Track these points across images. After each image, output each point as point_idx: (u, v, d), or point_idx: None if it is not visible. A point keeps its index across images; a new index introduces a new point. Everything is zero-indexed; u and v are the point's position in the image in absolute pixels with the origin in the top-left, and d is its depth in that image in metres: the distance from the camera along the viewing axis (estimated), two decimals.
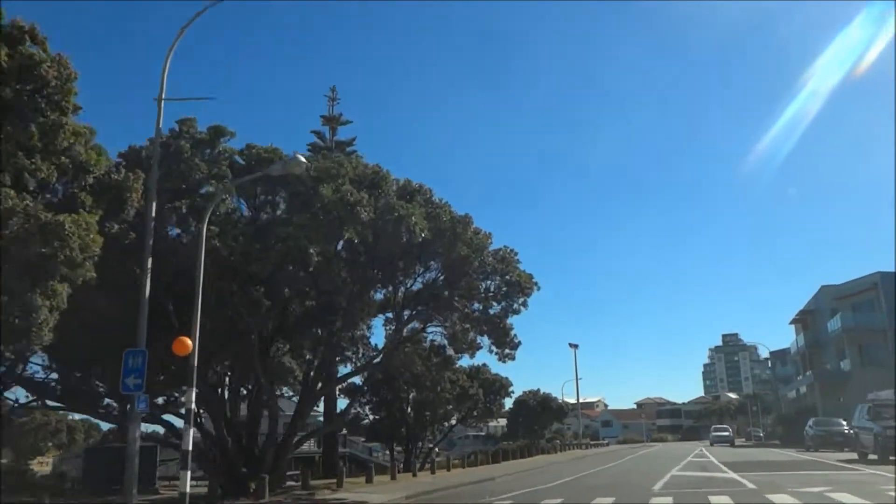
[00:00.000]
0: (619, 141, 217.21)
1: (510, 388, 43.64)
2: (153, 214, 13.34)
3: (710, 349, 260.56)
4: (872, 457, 21.95)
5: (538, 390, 54.13)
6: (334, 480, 21.40)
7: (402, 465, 34.16)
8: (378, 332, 32.01)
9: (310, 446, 35.79)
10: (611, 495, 14.10)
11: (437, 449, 61.80)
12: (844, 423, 33.75)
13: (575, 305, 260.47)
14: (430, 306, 22.21)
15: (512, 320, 21.70)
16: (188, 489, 11.59)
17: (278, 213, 19.25)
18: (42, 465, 47.51)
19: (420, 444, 41.85)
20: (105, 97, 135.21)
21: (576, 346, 62.66)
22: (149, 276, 12.76)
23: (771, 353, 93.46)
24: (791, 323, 63.75)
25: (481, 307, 21.45)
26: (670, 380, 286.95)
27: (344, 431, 44.19)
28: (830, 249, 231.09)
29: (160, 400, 22.29)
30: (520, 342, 22.11)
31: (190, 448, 12.16)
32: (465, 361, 31.20)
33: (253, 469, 19.91)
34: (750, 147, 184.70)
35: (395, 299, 22.35)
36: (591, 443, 71.00)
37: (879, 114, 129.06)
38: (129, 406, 13.52)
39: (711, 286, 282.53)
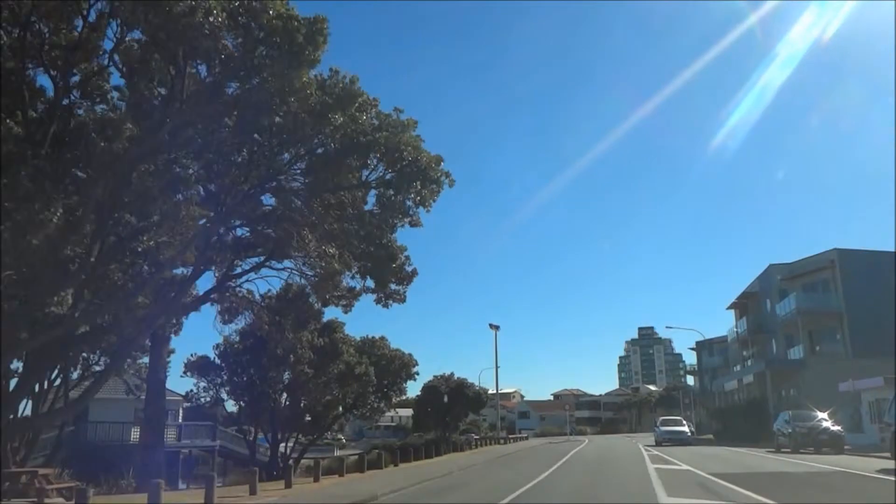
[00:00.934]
0: (543, 126, 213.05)
1: (414, 369, 34.85)
2: None
3: (627, 342, 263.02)
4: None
5: (451, 374, 45.92)
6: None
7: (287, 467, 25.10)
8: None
9: None
10: None
11: (342, 441, 52.34)
12: (825, 417, 27.20)
13: (491, 290, 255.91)
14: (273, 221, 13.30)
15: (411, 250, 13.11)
16: None
17: None
18: None
19: (297, 437, 32.56)
20: None
21: (496, 328, 55.04)
22: None
23: (697, 342, 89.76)
24: (729, 308, 58.50)
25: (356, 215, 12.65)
26: (586, 372, 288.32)
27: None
28: (772, 233, 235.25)
29: None
30: (414, 272, 13.48)
31: None
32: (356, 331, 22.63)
33: None
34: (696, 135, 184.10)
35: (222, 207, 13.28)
36: (509, 436, 63.74)
37: (844, 84, 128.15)
38: None
39: (632, 279, 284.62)
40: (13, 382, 16.16)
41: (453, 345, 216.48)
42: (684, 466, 18.48)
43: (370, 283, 15.15)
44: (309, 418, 30.92)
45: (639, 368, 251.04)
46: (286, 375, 27.90)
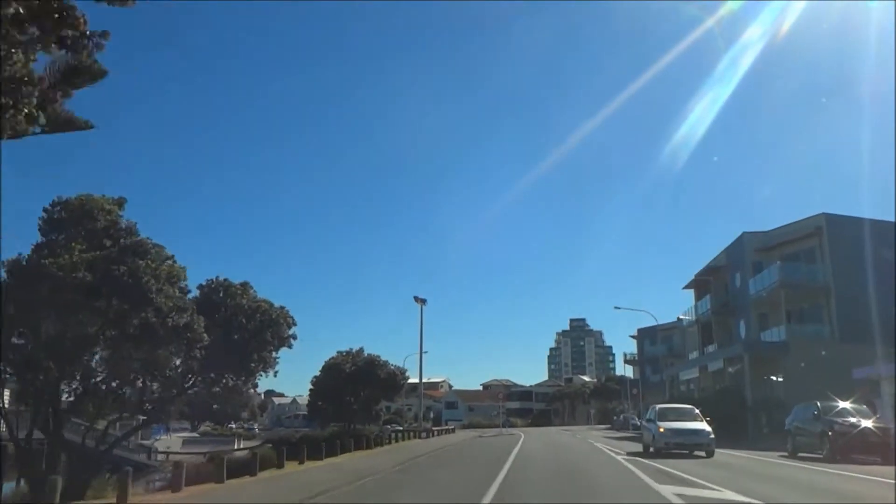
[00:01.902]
0: (486, 113, 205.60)
1: (290, 331, 24.36)
2: None
3: (558, 333, 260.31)
4: None
5: (360, 350, 36.84)
6: None
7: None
8: None
9: None
10: None
11: (254, 431, 42.54)
12: (865, 411, 19.68)
13: (422, 275, 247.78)
14: None
15: None
16: None
17: None
18: None
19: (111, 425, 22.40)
20: None
21: (423, 302, 46.33)
22: None
23: (639, 330, 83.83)
24: (687, 287, 51.77)
25: None
26: (516, 363, 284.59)
27: None
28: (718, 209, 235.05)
29: None
30: None
31: None
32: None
33: None
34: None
35: None
36: (434, 428, 55.18)
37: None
38: None
39: (566, 268, 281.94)
40: None
41: (380, 332, 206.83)
42: (728, 495, 10.21)
43: None
44: (75, 392, 20.13)
45: (569, 360, 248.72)
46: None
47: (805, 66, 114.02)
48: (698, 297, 48.89)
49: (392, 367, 39.01)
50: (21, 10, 6.22)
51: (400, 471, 17.83)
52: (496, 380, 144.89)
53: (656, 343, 77.83)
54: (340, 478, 15.44)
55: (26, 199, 72.36)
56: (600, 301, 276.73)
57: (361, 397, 36.29)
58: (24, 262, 16.90)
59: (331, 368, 35.79)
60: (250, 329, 21.74)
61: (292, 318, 24.44)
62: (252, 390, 40.84)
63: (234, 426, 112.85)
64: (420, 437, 41.88)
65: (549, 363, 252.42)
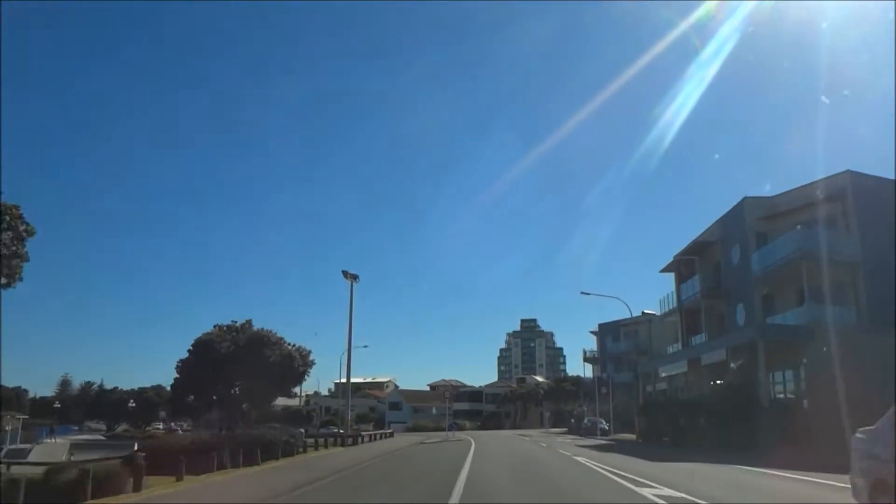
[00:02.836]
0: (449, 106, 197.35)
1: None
2: None
3: (508, 334, 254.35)
4: None
5: (247, 323, 27.83)
6: None
7: None
8: None
9: None
10: None
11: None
12: None
13: (369, 273, 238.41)
14: None
15: None
16: None
17: None
18: None
19: None
20: None
21: (354, 277, 37.71)
22: None
23: (600, 325, 77.07)
24: (666, 270, 44.63)
25: None
26: (466, 364, 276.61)
27: None
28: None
29: None
30: None
31: None
32: None
33: None
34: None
35: None
36: (370, 432, 46.49)
37: None
38: None
39: (515, 269, 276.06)
40: None
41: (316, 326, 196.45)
42: None
43: None
44: None
45: (519, 361, 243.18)
46: None
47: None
48: (681, 281, 41.72)
49: (289, 347, 30.05)
50: None
51: None
52: (444, 380, 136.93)
53: (619, 339, 71.18)
54: None
55: None
56: (552, 300, 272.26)
57: (244, 387, 27.21)
58: None
59: (202, 347, 26.39)
60: None
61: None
62: None
63: (160, 427, 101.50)
64: (344, 445, 33.14)
65: (500, 364, 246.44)
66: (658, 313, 43.75)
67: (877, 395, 16.60)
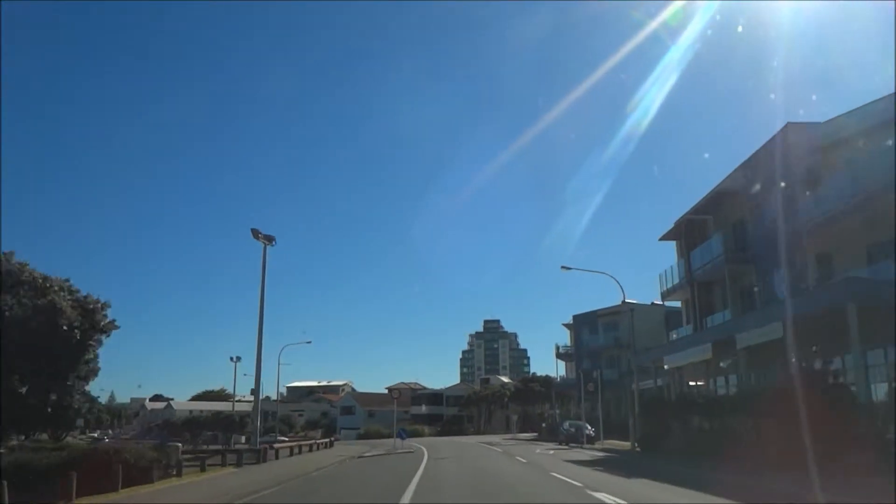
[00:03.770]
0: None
1: None
2: None
3: (471, 335, 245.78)
4: None
5: (7, 255, 17.95)
6: None
7: None
8: None
9: None
10: None
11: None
12: None
13: (326, 272, 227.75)
14: None
15: None
16: None
17: None
18: None
19: None
20: None
21: (269, 240, 28.07)
22: None
23: (575, 317, 68.52)
24: (666, 238, 36.10)
25: None
26: (427, 367, 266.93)
27: None
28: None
29: None
30: None
31: None
32: None
33: None
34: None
35: None
36: (293, 443, 36.61)
37: None
38: None
39: (478, 268, 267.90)
40: None
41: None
42: None
43: None
44: None
45: (482, 363, 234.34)
46: None
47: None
48: (689, 248, 33.12)
49: (58, 295, 20.00)
50: None
51: None
52: (403, 383, 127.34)
53: (597, 332, 62.70)
54: None
55: None
56: (515, 300, 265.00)
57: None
58: None
59: None
60: None
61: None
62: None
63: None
64: (240, 465, 23.28)
65: (462, 366, 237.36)
66: (663, 290, 35.03)
67: None
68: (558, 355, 66.55)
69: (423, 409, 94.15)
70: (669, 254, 37.30)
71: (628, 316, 58.84)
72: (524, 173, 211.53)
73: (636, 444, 31.62)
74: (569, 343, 68.06)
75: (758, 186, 26.89)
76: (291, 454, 30.65)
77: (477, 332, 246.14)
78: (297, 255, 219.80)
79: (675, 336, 35.22)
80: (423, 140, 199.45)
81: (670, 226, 35.43)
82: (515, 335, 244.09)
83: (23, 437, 24.24)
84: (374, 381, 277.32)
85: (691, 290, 31.80)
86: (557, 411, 65.16)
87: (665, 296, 35.04)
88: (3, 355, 18.60)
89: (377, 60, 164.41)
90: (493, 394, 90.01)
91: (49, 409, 23.66)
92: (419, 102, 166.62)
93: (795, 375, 18.24)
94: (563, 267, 36.62)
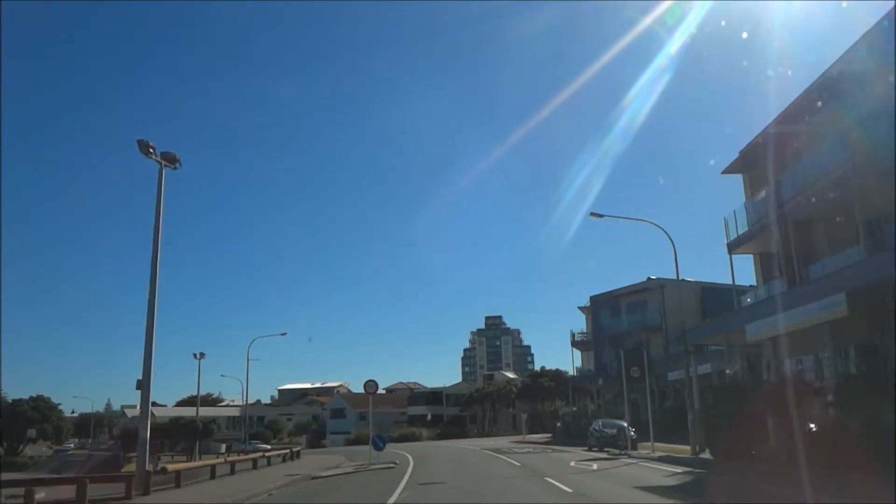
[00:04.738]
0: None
1: None
2: None
3: (472, 333, 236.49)
4: None
5: None
6: None
7: None
8: None
9: None
10: None
11: None
12: None
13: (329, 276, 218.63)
14: None
15: None
16: None
17: None
18: None
19: None
20: None
21: (171, 161, 18.83)
22: None
23: (592, 299, 59.28)
24: (730, 171, 26.82)
25: None
26: (428, 367, 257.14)
27: None
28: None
29: None
30: None
31: None
32: None
33: None
34: None
35: None
36: (256, 455, 27.17)
37: None
38: None
39: (478, 264, 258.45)
40: None
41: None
42: None
43: None
44: None
45: (484, 361, 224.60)
46: None
47: None
48: (755, 186, 23.89)
49: None
50: None
51: None
52: (402, 383, 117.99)
53: (619, 314, 53.48)
54: None
55: None
56: (517, 296, 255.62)
57: None
58: None
59: None
60: None
61: None
62: None
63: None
64: (130, 498, 14.02)
65: (464, 365, 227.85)
66: (730, 240, 25.56)
67: None
68: (573, 343, 57.16)
69: (421, 409, 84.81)
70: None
71: (658, 293, 49.83)
72: (522, 169, 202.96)
73: (701, 449, 22.47)
74: (585, 329, 58.75)
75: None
76: (233, 472, 21.33)
77: (478, 330, 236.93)
78: (295, 252, 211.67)
79: (749, 301, 25.86)
80: (422, 138, 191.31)
81: (733, 157, 26.20)
82: (518, 331, 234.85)
83: None
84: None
85: (782, 231, 22.39)
86: (574, 408, 55.80)
87: (733, 247, 25.64)
88: None
89: (376, 60, 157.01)
90: (497, 390, 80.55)
91: None
92: (419, 102, 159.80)
93: None
94: (592, 214, 27.33)
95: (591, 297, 56.39)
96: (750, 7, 46.53)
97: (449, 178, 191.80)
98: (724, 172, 27.06)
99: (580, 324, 60.08)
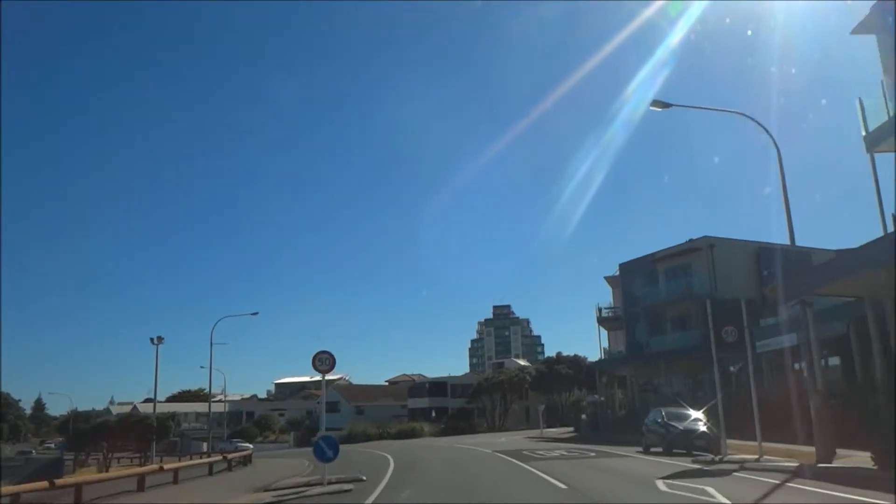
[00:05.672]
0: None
1: None
2: None
3: (480, 322, 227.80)
4: None
5: None
6: None
7: None
8: None
9: None
10: None
11: None
12: None
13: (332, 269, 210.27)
14: None
15: None
16: None
17: None
18: None
19: None
20: None
21: None
22: None
23: (621, 266, 50.20)
24: (858, 31, 17.80)
25: None
26: (434, 358, 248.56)
27: None
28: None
29: None
30: None
31: None
32: None
33: None
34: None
35: None
36: (190, 463, 18.69)
37: None
38: None
39: (486, 253, 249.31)
40: None
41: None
42: None
43: None
44: None
45: (493, 352, 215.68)
46: None
47: None
48: None
49: None
50: None
51: None
52: (405, 375, 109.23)
53: (656, 282, 44.41)
54: None
55: None
56: (525, 284, 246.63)
57: None
58: None
59: None
60: None
61: None
62: None
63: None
64: None
65: (471, 356, 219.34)
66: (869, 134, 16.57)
67: None
68: (600, 320, 48.12)
69: (424, 401, 76.12)
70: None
71: (707, 255, 40.87)
72: (525, 161, 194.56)
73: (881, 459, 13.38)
74: (612, 303, 49.71)
75: None
76: (141, 487, 12.61)
77: (486, 319, 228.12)
78: (296, 247, 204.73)
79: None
80: (427, 131, 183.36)
81: None
82: (528, 321, 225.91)
83: None
84: (375, 374, 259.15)
85: None
86: (601, 398, 46.98)
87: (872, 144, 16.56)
88: None
89: (378, 58, 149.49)
90: (508, 379, 71.67)
91: None
92: (419, 102, 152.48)
93: None
94: (654, 103, 18.33)
95: (621, 265, 47.39)
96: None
97: (454, 169, 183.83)
98: (852, 33, 17.95)
99: (591, 312, 50.73)
